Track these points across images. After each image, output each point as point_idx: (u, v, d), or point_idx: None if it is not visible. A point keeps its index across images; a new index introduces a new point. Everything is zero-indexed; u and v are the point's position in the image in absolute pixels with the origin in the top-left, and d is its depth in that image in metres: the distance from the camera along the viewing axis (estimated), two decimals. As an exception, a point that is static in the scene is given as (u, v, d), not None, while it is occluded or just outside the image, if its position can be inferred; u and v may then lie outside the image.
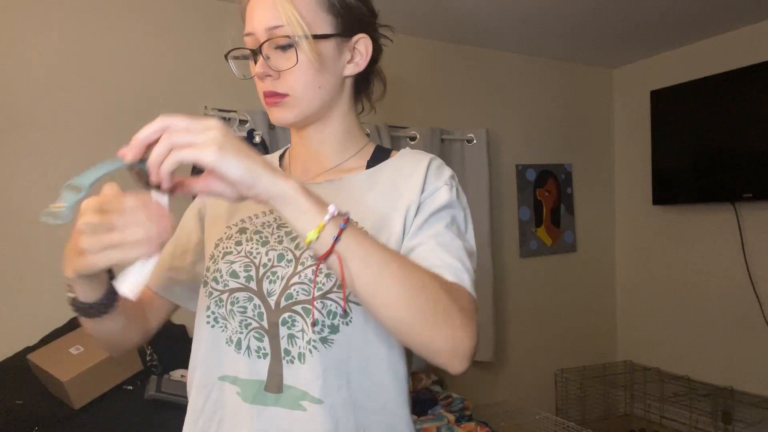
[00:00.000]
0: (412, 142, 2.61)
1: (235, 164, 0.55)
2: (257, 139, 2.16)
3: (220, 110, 2.20)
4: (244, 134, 2.16)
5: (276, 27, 0.74)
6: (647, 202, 3.11)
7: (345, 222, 0.59)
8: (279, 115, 0.79)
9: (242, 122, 2.22)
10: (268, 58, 0.75)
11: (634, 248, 3.28)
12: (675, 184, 2.90)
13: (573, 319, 3.20)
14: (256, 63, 0.77)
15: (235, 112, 2.21)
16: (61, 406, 1.62)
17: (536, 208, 3.07)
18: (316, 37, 0.75)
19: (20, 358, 1.72)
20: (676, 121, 2.86)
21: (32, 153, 1.93)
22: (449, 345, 0.63)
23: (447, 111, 2.81)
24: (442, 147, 2.69)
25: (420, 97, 2.74)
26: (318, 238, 0.58)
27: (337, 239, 0.58)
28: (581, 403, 3.02)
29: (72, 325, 1.84)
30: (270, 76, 0.76)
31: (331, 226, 0.58)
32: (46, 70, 1.95)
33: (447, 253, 0.71)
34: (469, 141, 2.77)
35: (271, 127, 2.25)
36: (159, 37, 2.13)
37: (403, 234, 0.76)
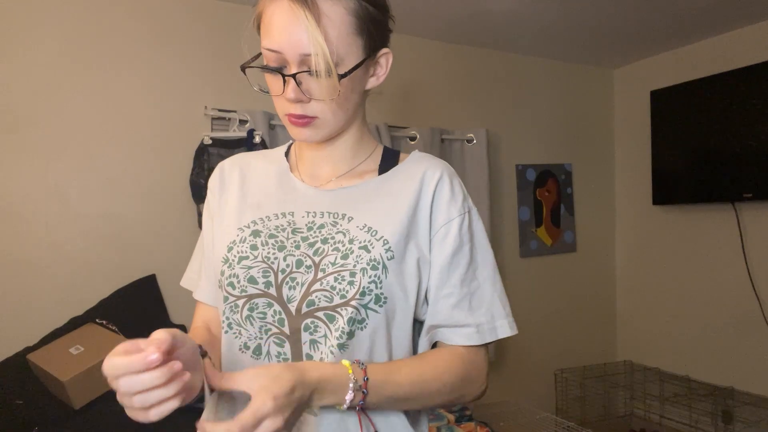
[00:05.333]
0: (412, 142, 2.61)
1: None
2: (257, 139, 2.16)
3: (220, 110, 2.20)
4: (244, 134, 2.17)
5: (310, 55, 0.70)
6: (647, 202, 3.11)
7: (365, 388, 0.69)
8: (307, 135, 0.78)
9: (242, 122, 2.22)
10: (301, 83, 0.72)
11: (634, 248, 3.28)
12: (675, 184, 2.90)
13: (573, 319, 3.20)
14: (285, 82, 0.73)
15: (234, 112, 2.21)
16: (61, 406, 1.62)
17: (536, 208, 3.07)
18: (351, 70, 0.73)
19: (20, 358, 1.72)
20: (676, 121, 2.86)
21: (32, 153, 1.93)
22: (468, 401, 0.84)
23: (447, 111, 2.81)
24: (442, 147, 2.69)
25: (420, 97, 2.74)
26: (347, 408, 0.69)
27: (362, 405, 0.70)
28: (581, 403, 3.02)
29: (72, 325, 1.85)
30: (301, 101, 0.75)
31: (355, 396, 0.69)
32: (46, 70, 1.95)
33: (467, 312, 0.81)
34: (469, 141, 2.77)
35: (271, 126, 2.25)
36: (159, 37, 2.13)
37: (426, 243, 0.81)
